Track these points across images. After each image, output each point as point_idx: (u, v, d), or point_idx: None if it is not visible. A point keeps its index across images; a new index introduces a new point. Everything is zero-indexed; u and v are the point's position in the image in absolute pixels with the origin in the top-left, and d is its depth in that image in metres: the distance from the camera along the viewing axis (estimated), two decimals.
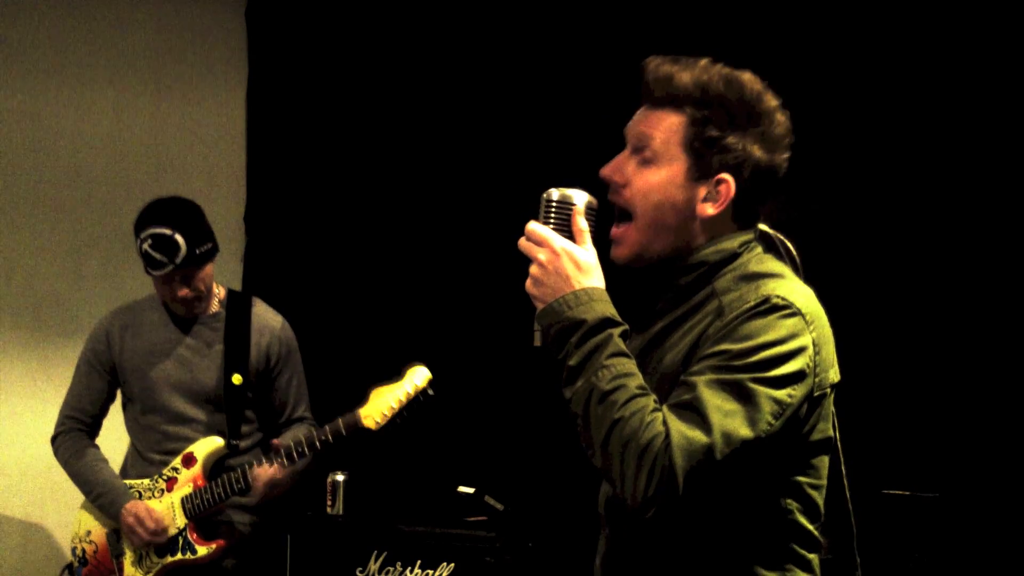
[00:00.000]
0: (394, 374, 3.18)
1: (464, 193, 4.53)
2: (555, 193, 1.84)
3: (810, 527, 1.80)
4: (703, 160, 1.81)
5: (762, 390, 1.66)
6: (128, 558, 3.25)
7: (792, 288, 1.76)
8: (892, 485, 3.43)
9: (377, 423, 3.03)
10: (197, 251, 3.20)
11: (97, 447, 3.43)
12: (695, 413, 1.64)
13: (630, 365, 1.73)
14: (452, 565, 3.66)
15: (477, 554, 3.64)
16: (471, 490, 3.69)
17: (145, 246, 3.17)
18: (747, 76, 1.83)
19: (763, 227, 1.91)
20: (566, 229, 1.82)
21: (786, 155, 1.86)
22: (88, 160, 4.75)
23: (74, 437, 3.40)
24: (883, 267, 3.78)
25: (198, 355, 3.30)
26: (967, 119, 3.69)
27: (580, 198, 1.84)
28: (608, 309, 1.76)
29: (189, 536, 3.18)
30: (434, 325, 4.54)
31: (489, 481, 4.08)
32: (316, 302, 4.50)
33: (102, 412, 3.46)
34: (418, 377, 3.05)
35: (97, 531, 3.33)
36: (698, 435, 1.62)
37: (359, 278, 4.68)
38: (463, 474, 4.31)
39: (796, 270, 1.88)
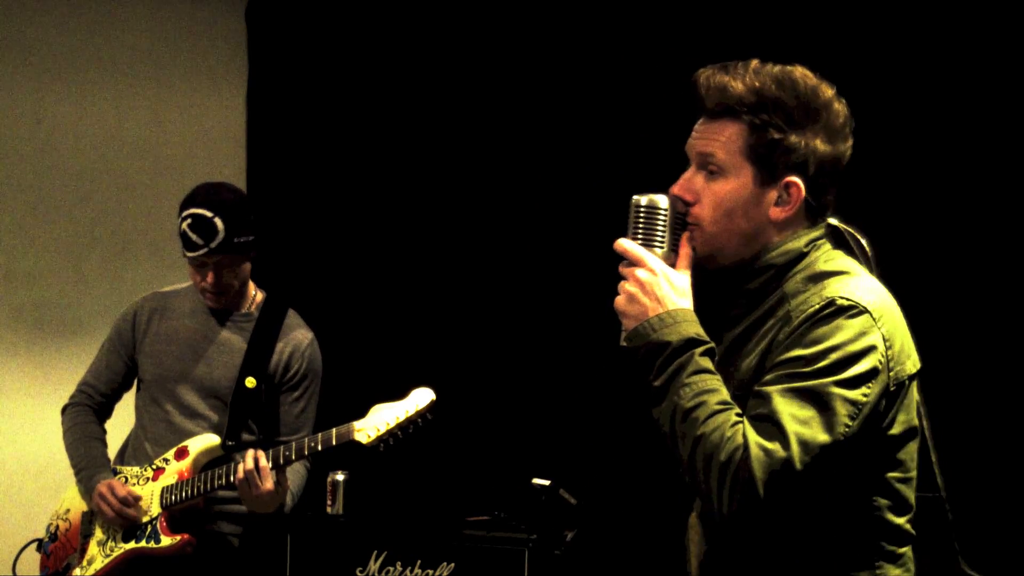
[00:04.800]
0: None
1: (465, 193, 4.53)
2: (643, 199, 1.85)
3: (899, 521, 1.82)
4: (769, 165, 1.81)
5: (836, 392, 1.68)
6: (94, 539, 3.21)
7: (857, 285, 1.77)
8: None
9: (370, 437, 2.96)
10: (236, 240, 3.11)
11: (98, 424, 3.34)
12: (771, 424, 1.67)
13: (713, 381, 1.74)
14: (452, 565, 3.66)
15: (479, 554, 3.64)
16: (547, 482, 3.66)
17: (184, 225, 3.11)
18: (799, 71, 1.83)
19: (833, 221, 1.91)
20: (653, 234, 1.83)
21: (849, 143, 1.87)
22: (88, 160, 4.75)
23: (79, 411, 3.34)
24: (883, 267, 3.78)
25: (219, 351, 3.25)
26: (965, 119, 3.69)
27: (666, 202, 1.84)
28: (693, 329, 1.77)
29: (158, 525, 3.11)
30: (433, 324, 4.54)
31: (492, 480, 4.08)
32: (316, 302, 4.50)
33: (114, 395, 3.36)
34: (421, 398, 3.00)
35: (75, 510, 3.29)
36: (776, 447, 1.65)
37: (360, 278, 4.68)
38: (463, 473, 4.32)
39: (867, 264, 1.89)
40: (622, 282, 1.81)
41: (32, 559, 3.38)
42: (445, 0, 4.57)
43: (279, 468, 3.01)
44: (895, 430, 1.78)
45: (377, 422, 2.97)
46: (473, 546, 3.66)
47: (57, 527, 3.33)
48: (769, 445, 1.65)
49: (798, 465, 1.64)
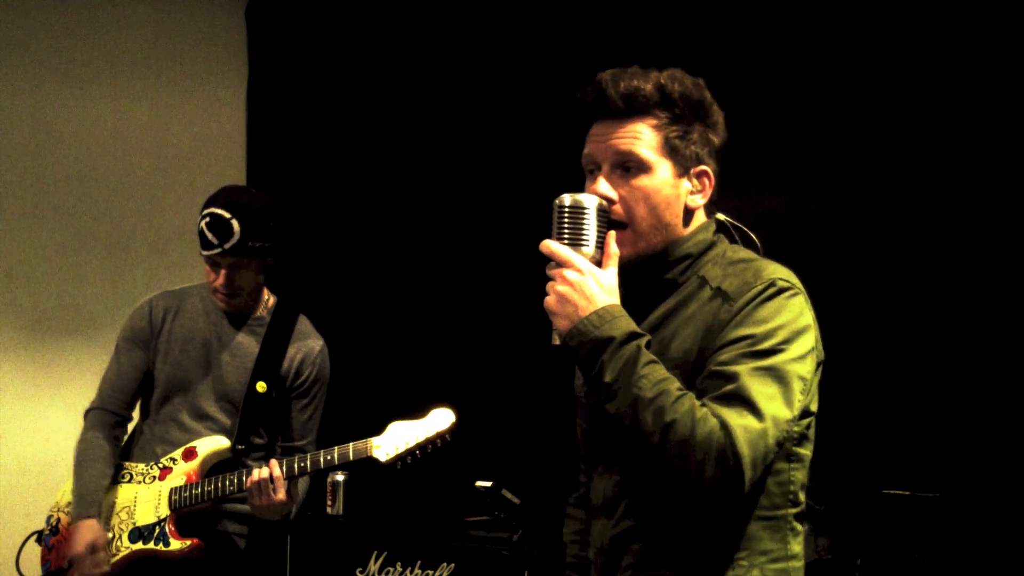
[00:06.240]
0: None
1: (465, 192, 4.53)
2: (567, 199, 1.87)
3: (802, 499, 1.91)
4: (682, 156, 1.91)
5: (792, 369, 1.77)
6: None
7: (786, 270, 1.88)
8: (892, 485, 3.43)
9: (388, 456, 2.97)
10: (250, 243, 3.14)
11: (109, 439, 3.32)
12: (743, 403, 1.74)
13: (663, 370, 1.79)
14: (452, 565, 3.66)
15: (479, 554, 3.64)
16: (489, 484, 3.68)
17: (202, 224, 3.14)
18: (680, 72, 1.94)
19: (721, 216, 2.01)
20: (580, 234, 1.85)
21: (724, 137, 1.97)
22: (89, 160, 4.75)
23: (96, 418, 3.31)
24: (883, 267, 3.79)
25: (231, 354, 3.25)
26: (965, 119, 3.69)
27: (591, 201, 1.87)
28: (631, 324, 1.82)
29: (167, 528, 3.11)
30: (432, 323, 4.54)
31: (490, 479, 4.07)
32: (315, 303, 4.50)
33: (137, 392, 3.33)
34: (441, 420, 2.99)
35: None
36: (752, 423, 1.72)
37: (359, 278, 4.69)
38: (464, 472, 4.32)
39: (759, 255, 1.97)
40: (550, 283, 1.85)
41: (33, 552, 3.37)
42: (444, 0, 4.58)
43: (292, 479, 3.02)
44: (813, 407, 1.88)
45: (396, 441, 2.97)
46: (473, 546, 3.66)
47: (58, 520, 3.32)
48: (746, 422, 1.72)
49: (771, 440, 1.74)
